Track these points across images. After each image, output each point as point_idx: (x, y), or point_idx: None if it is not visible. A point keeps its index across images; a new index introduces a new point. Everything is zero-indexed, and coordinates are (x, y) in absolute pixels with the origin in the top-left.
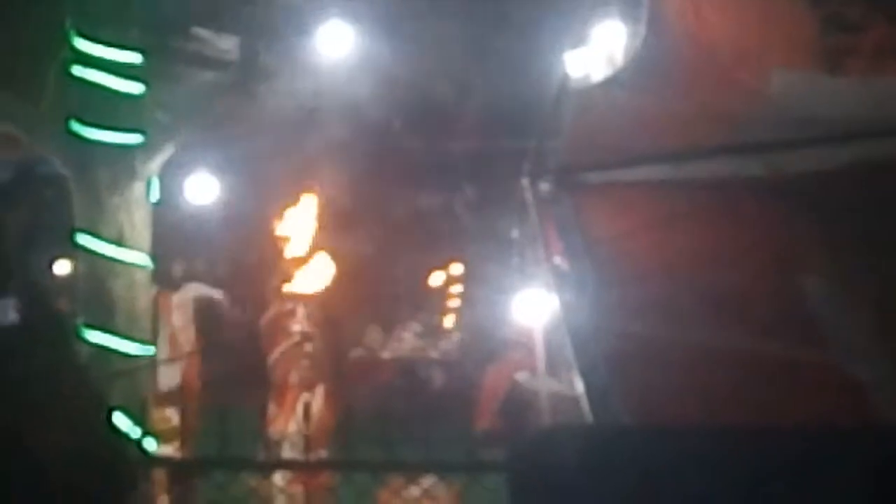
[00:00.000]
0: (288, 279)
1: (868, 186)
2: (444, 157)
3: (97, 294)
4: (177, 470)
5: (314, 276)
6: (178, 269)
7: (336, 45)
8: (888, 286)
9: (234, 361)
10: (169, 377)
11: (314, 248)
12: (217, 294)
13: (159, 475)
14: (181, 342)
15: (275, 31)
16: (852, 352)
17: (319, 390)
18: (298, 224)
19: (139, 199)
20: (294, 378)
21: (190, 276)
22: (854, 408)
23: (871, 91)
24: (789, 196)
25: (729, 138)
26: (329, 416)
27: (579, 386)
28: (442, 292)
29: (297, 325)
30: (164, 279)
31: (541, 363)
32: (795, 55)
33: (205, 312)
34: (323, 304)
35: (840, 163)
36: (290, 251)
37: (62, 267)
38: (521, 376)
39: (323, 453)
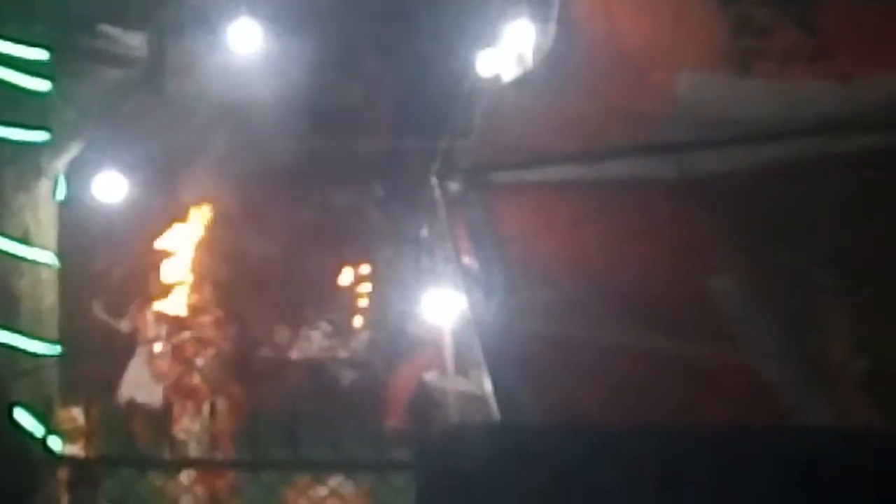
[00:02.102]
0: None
1: (777, 187)
2: (354, 156)
3: (2, 293)
4: (82, 469)
5: (183, 296)
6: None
7: (245, 43)
8: (798, 287)
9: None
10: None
11: (195, 265)
12: None
13: (65, 474)
14: (158, 360)
15: (183, 28)
16: (763, 352)
17: (226, 390)
18: (182, 239)
19: (45, 197)
20: (200, 378)
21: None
22: (765, 407)
23: (780, 93)
24: (699, 196)
25: (639, 139)
26: (236, 415)
27: (488, 385)
28: (351, 291)
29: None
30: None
31: (450, 362)
32: (705, 57)
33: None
34: (228, 306)
35: (749, 164)
36: (169, 269)
37: None
38: (430, 376)
39: (229, 452)
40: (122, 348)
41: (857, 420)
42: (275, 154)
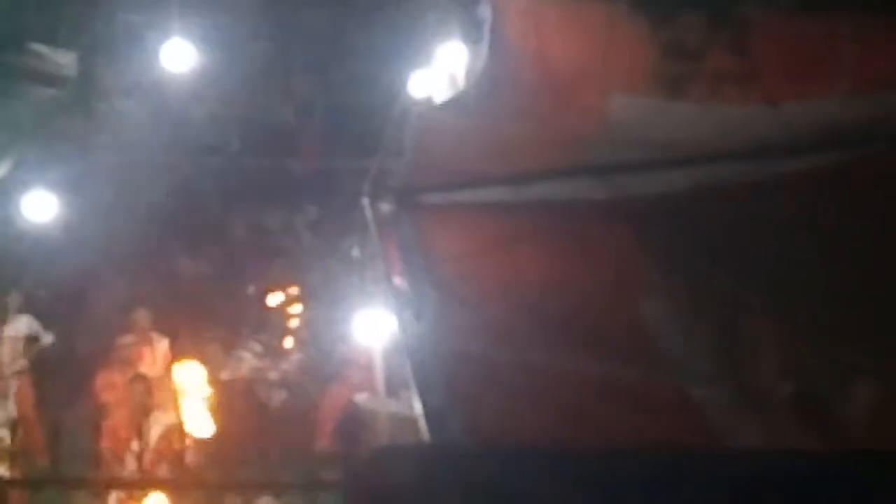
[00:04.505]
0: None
1: (708, 210)
2: (286, 176)
3: None
4: (8, 489)
5: None
6: (14, 300)
7: (178, 63)
8: (728, 309)
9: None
10: None
11: None
12: (45, 334)
13: None
14: (5, 374)
15: (115, 47)
16: (693, 375)
17: (156, 411)
18: None
19: None
20: (130, 399)
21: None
22: (695, 429)
23: (710, 116)
24: (630, 219)
25: (570, 161)
26: (166, 436)
27: (418, 406)
28: (282, 312)
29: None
30: None
31: (380, 383)
32: (636, 79)
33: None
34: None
35: (680, 186)
36: None
37: None
38: (361, 397)
39: (159, 472)
40: None
41: (786, 442)
42: (206, 173)
